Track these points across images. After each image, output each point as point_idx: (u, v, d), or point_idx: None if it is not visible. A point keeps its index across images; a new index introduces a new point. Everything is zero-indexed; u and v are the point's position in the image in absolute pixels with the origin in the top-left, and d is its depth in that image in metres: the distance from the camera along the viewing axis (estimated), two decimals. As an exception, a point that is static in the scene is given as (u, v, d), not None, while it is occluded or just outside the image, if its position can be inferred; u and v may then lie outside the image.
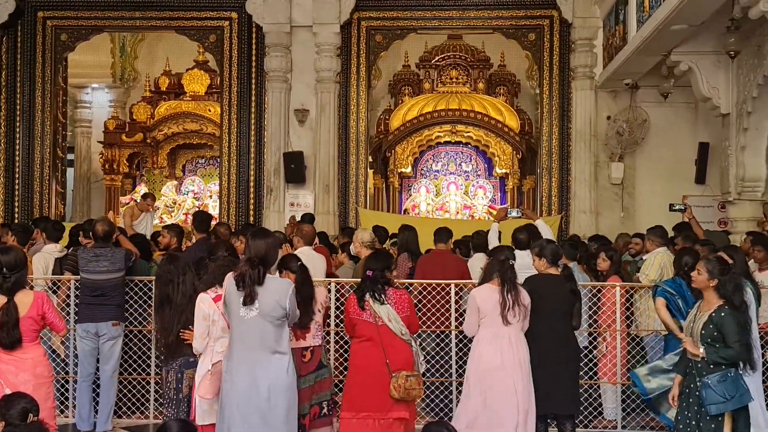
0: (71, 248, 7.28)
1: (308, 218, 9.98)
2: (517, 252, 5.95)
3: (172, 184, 17.56)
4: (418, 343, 5.39)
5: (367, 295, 5.13)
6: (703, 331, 4.61)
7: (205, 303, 4.67)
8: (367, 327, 5.13)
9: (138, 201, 12.16)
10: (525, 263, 6.07)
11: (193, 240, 7.87)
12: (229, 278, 4.41)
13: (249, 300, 4.31)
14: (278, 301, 4.35)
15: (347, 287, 6.67)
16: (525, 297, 5.33)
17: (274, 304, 4.34)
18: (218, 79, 13.70)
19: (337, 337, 6.81)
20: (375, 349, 5.09)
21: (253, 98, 12.25)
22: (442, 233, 7.37)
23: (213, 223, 9.63)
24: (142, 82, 17.55)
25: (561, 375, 5.42)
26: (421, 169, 17.37)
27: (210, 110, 16.20)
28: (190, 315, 4.91)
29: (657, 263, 6.77)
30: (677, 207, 8.10)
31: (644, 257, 7.12)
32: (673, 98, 11.40)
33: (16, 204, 12.30)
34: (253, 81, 12.24)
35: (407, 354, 5.16)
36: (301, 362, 5.16)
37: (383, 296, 5.13)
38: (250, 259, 4.37)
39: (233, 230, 8.90)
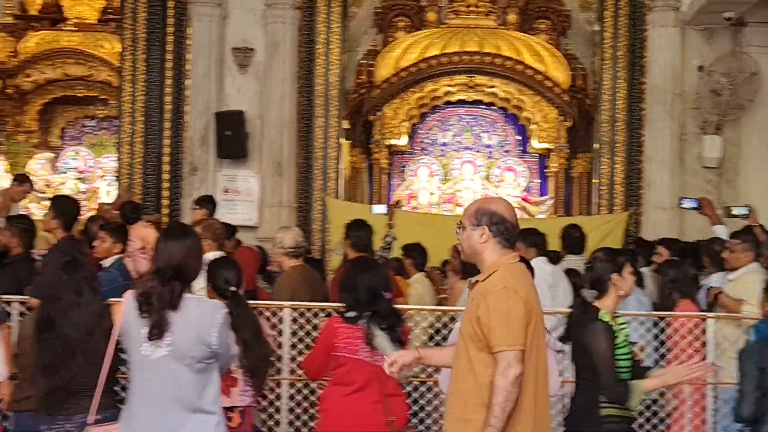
0: None
1: (209, 206, 9.30)
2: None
3: (44, 158, 17.43)
4: None
5: (366, 323, 5.16)
6: None
7: None
8: (361, 370, 5.17)
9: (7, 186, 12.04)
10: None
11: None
12: (128, 298, 4.39)
13: (156, 332, 4.27)
14: (200, 334, 4.34)
15: (309, 314, 6.69)
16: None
17: (193, 338, 4.33)
18: None
19: (293, 390, 6.84)
20: (371, 404, 5.13)
21: (169, 30, 12.24)
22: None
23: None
24: None
25: None
26: (422, 141, 17.37)
27: (104, 47, 16.10)
28: (93, 357, 4.93)
29: (756, 284, 6.78)
30: (736, 212, 8.26)
31: (730, 276, 7.20)
32: (797, 41, 11.56)
33: None
34: (171, 4, 12.22)
35: (405, 407, 5.32)
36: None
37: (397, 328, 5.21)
38: (160, 271, 4.36)
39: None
